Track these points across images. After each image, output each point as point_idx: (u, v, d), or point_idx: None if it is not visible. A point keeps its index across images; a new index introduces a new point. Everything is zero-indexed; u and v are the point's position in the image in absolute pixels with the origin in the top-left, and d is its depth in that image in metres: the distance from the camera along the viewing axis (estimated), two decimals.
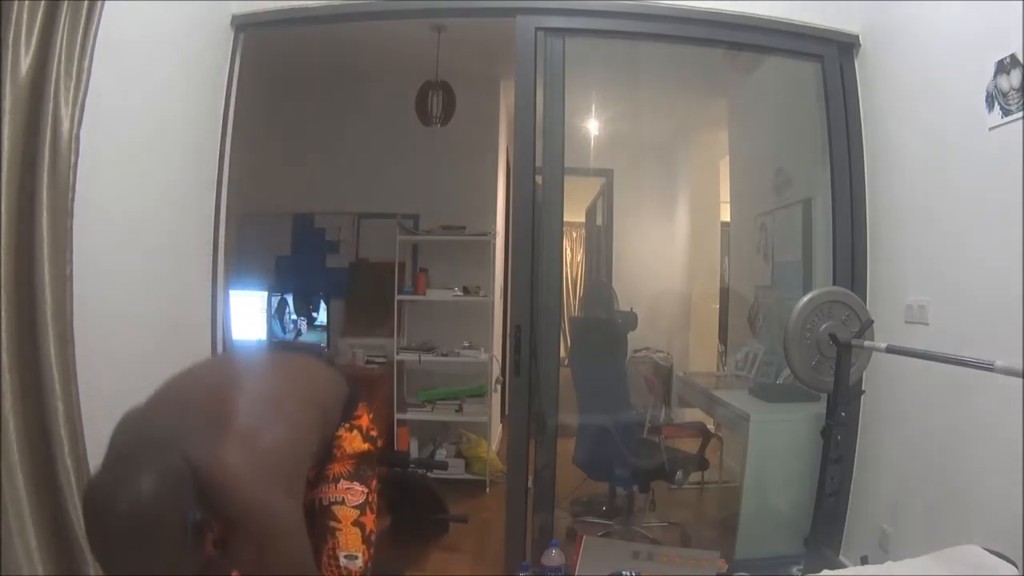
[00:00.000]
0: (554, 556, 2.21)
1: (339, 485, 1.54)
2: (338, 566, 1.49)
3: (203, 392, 1.36)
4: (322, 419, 1.49)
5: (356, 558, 1.50)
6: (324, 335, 4.21)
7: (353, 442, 1.58)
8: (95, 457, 1.60)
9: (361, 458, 1.59)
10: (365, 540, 1.53)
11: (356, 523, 1.52)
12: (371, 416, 1.67)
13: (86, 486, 1.21)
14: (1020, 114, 1.81)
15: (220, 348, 2.48)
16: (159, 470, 1.14)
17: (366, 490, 1.57)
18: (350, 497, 1.53)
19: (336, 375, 1.66)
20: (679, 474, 2.95)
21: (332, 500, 1.52)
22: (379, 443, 1.67)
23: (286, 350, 1.55)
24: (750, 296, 3.86)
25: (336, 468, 1.55)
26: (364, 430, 1.62)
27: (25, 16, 1.51)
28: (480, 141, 4.40)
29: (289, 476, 1.33)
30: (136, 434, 1.27)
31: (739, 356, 3.77)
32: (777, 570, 2.48)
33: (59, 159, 1.56)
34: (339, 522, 1.51)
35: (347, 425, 1.59)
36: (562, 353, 3.19)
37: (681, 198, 5.06)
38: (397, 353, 4.02)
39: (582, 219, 6.27)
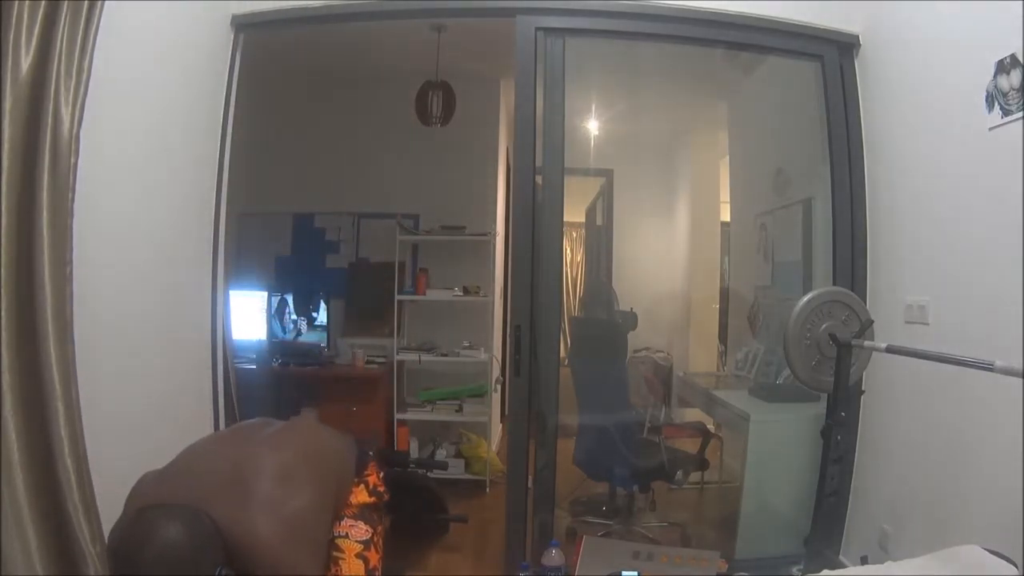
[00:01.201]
0: (554, 556, 2.21)
1: (343, 522, 1.62)
2: None
3: (221, 463, 1.43)
4: (337, 488, 1.59)
5: None
6: (324, 335, 4.21)
7: (359, 495, 1.69)
8: (95, 457, 1.60)
9: (366, 507, 1.69)
10: (368, 573, 1.59)
11: (360, 556, 1.58)
12: (380, 474, 1.79)
13: (113, 535, 1.26)
14: (1020, 114, 1.81)
15: (220, 348, 2.48)
16: (189, 521, 1.22)
17: (371, 531, 1.65)
18: (354, 532, 1.61)
19: (347, 441, 1.76)
20: (679, 474, 2.95)
21: (336, 535, 1.58)
22: (385, 497, 1.78)
23: (297, 419, 1.73)
24: (750, 296, 3.86)
25: (343, 511, 1.64)
26: (371, 486, 1.73)
27: (25, 16, 1.51)
28: (480, 141, 4.40)
29: (314, 542, 1.41)
30: (159, 493, 1.34)
31: (739, 356, 3.77)
32: (777, 570, 2.48)
33: (59, 159, 1.56)
34: (342, 552, 1.57)
35: (356, 480, 1.70)
36: (562, 353, 3.19)
37: (681, 198, 5.06)
38: (397, 353, 4.02)
39: (582, 219, 6.27)
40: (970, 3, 2.03)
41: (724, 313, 4.47)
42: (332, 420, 1.97)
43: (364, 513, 1.67)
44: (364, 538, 1.61)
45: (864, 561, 2.16)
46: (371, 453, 1.82)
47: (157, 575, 1.16)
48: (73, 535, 1.55)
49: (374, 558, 1.63)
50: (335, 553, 1.56)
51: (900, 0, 2.40)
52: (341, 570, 1.55)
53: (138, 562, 1.17)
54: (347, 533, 1.60)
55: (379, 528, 1.71)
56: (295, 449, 1.54)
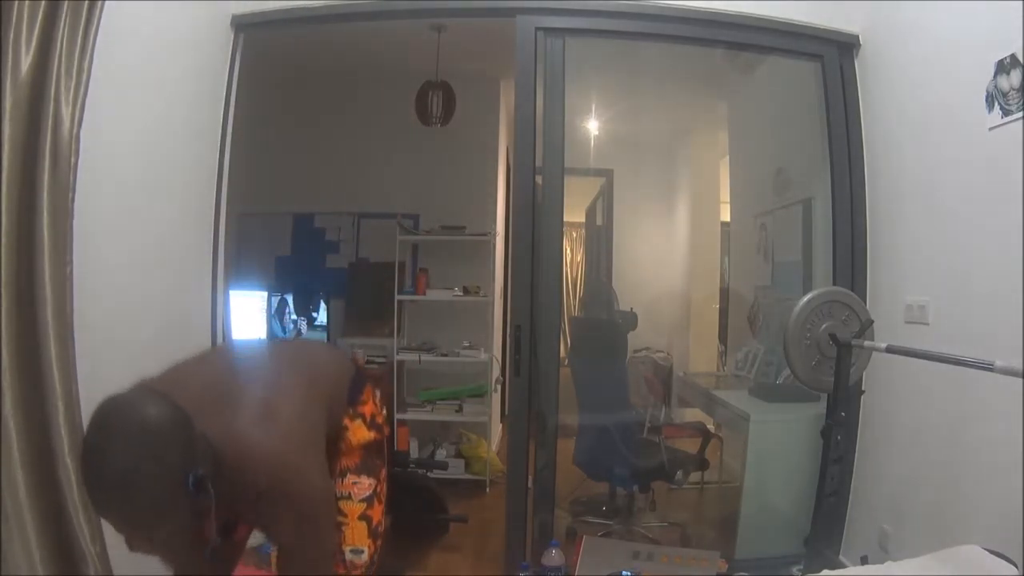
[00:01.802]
0: (554, 556, 2.21)
1: (346, 480, 1.54)
2: (343, 560, 1.49)
3: (207, 376, 1.37)
4: (328, 394, 1.49)
5: (361, 552, 1.51)
6: (324, 335, 4.21)
7: (358, 432, 1.57)
8: None
9: (367, 449, 1.58)
10: (371, 533, 1.54)
11: (362, 516, 1.53)
12: (377, 401, 1.65)
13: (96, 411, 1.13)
14: (1020, 114, 1.81)
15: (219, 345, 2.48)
16: (174, 411, 1.12)
17: (374, 482, 1.56)
18: (356, 491, 1.54)
19: (340, 356, 1.67)
20: (679, 474, 2.95)
21: (339, 495, 1.52)
22: (385, 430, 1.65)
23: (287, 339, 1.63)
24: (750, 296, 3.86)
25: (343, 462, 1.55)
26: (368, 418, 1.60)
27: (25, 16, 1.51)
28: (480, 141, 4.40)
29: (312, 444, 1.33)
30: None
31: (739, 356, 3.77)
32: (777, 570, 2.48)
33: (59, 159, 1.57)
34: (345, 516, 1.51)
35: (351, 412, 1.57)
36: (562, 353, 3.19)
37: (681, 198, 5.07)
38: (397, 353, 4.02)
39: (582, 219, 6.27)
40: (970, 3, 2.03)
41: (724, 313, 4.47)
42: None
43: (366, 461, 1.57)
44: (366, 495, 1.54)
45: (864, 561, 2.16)
46: (368, 377, 1.68)
47: (127, 444, 1.05)
48: (73, 535, 1.55)
49: (377, 513, 1.56)
50: (338, 518, 1.49)
51: (900, 0, 2.40)
52: (344, 536, 1.49)
53: (110, 433, 1.06)
54: (350, 493, 1.53)
55: (382, 474, 1.60)
56: (277, 358, 1.51)
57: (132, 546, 1.12)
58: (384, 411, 1.68)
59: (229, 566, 1.56)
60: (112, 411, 1.09)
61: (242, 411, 1.26)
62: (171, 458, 1.08)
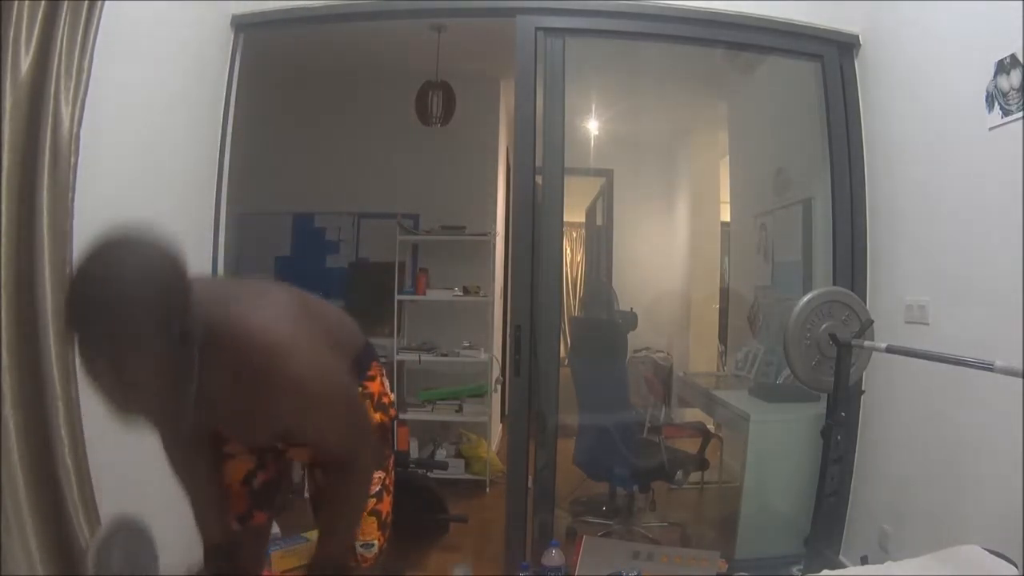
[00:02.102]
0: (554, 556, 2.21)
1: None
2: (354, 553, 1.50)
3: (209, 284, 1.32)
4: (332, 337, 1.41)
5: (372, 546, 1.52)
6: None
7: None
8: (95, 457, 1.60)
9: (376, 437, 1.52)
10: (381, 526, 1.54)
11: (373, 512, 1.52)
12: (384, 379, 1.60)
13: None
14: (1020, 114, 1.81)
15: None
16: (171, 253, 1.09)
17: (382, 474, 1.54)
18: None
19: (350, 319, 1.60)
20: (679, 474, 2.95)
21: None
22: (392, 412, 1.59)
23: None
24: (750, 296, 3.86)
25: None
26: (376, 398, 1.54)
27: (25, 16, 1.51)
28: (480, 141, 4.40)
29: (308, 334, 1.26)
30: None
31: (739, 356, 3.77)
32: (777, 570, 2.48)
33: (59, 159, 1.57)
34: None
35: (359, 387, 1.51)
36: (562, 353, 3.19)
37: (681, 198, 5.07)
38: (397, 353, 4.02)
39: (582, 219, 6.27)
40: (970, 3, 2.03)
41: (724, 313, 4.47)
42: None
43: (375, 453, 1.49)
44: (376, 490, 1.51)
45: (864, 561, 2.16)
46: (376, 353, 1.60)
47: (120, 270, 1.02)
48: (73, 535, 1.55)
49: (386, 506, 1.54)
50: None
51: (900, 0, 2.40)
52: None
53: (106, 257, 1.03)
54: None
55: (389, 463, 1.56)
56: (289, 291, 1.40)
57: (94, 377, 1.03)
58: (392, 392, 1.63)
59: (256, 559, 1.55)
60: (113, 238, 1.06)
61: (239, 301, 1.23)
62: (160, 293, 1.03)
